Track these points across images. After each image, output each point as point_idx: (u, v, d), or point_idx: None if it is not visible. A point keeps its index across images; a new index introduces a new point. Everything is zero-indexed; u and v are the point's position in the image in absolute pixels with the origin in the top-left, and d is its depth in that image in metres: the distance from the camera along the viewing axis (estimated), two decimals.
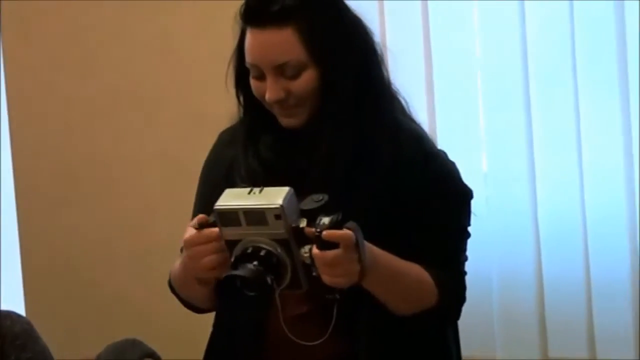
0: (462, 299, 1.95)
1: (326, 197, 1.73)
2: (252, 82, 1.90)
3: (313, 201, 1.74)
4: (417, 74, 3.06)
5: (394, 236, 1.87)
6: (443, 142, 3.01)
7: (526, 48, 2.94)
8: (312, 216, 1.72)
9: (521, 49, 2.94)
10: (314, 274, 1.73)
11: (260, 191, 1.75)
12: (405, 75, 3.10)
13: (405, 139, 1.93)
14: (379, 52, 1.95)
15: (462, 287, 1.94)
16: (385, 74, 1.97)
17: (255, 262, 1.72)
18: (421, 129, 2.01)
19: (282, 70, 1.85)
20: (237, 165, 1.94)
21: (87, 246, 3.55)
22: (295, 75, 1.85)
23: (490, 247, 2.98)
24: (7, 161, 3.63)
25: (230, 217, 1.74)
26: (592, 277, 2.89)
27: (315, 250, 1.70)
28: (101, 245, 3.53)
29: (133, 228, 3.49)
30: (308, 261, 1.72)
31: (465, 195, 1.97)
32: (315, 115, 1.89)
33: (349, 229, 1.70)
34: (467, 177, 2.91)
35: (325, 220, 1.70)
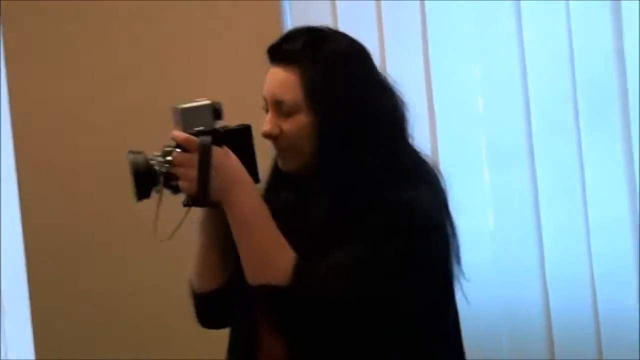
0: (331, 305, 1.80)
1: (245, 125, 1.89)
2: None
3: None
4: (421, 131, 3.05)
5: None
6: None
7: (529, 104, 2.96)
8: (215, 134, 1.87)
9: (524, 106, 2.96)
10: None
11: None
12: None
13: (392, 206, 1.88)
14: (396, 116, 1.95)
15: (338, 296, 1.80)
16: (399, 140, 1.95)
17: (158, 154, 1.86)
18: (426, 200, 1.91)
19: (280, 108, 1.90)
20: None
21: (96, 282, 3.53)
22: (289, 115, 1.89)
23: (498, 303, 2.98)
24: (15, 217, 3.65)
25: (173, 117, 1.89)
26: (602, 328, 2.88)
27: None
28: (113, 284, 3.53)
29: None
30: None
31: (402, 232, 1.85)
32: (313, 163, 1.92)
33: (201, 141, 1.82)
34: (474, 235, 2.95)
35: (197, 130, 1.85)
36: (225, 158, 1.86)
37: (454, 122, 3.07)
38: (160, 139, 1.89)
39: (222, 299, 2.01)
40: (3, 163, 3.65)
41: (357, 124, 1.89)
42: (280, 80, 1.90)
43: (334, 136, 1.87)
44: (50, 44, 3.58)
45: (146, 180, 1.85)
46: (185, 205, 1.87)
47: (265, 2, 3.30)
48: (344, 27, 3.17)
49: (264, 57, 1.96)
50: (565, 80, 2.91)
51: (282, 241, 1.86)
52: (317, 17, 3.21)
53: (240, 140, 1.90)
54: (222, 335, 2.08)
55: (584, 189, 2.89)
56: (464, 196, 3.01)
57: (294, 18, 3.27)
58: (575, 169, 2.90)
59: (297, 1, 3.27)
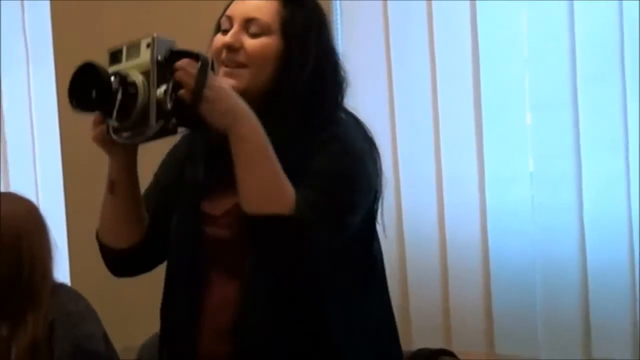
0: (319, 223, 1.91)
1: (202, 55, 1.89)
2: (215, 39, 2.04)
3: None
4: (464, 73, 3.08)
5: None
6: (489, 142, 3.03)
7: (574, 49, 2.94)
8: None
9: (569, 50, 2.95)
10: (168, 108, 1.86)
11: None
12: (452, 75, 3.13)
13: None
14: (340, 78, 2.07)
15: (325, 214, 1.92)
16: (338, 94, 2.07)
17: (113, 77, 1.87)
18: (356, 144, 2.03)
19: (248, 26, 2.00)
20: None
21: None
22: (257, 35, 1.99)
23: (535, 246, 2.99)
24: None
25: (116, 55, 1.93)
26: (639, 277, 2.88)
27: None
28: None
29: None
30: (161, 96, 1.87)
31: (352, 151, 1.99)
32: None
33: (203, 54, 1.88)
34: (513, 177, 2.95)
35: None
36: (221, 82, 1.91)
37: (499, 65, 3.06)
38: None
39: (138, 255, 2.11)
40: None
41: (320, 66, 2.01)
42: (259, 2, 2.01)
43: (301, 67, 1.99)
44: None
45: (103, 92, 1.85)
46: (174, 124, 1.88)
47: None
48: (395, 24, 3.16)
49: None
50: (613, 26, 2.88)
51: (284, 174, 1.91)
52: (368, 17, 3.22)
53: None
54: None
55: (626, 135, 2.88)
56: (506, 139, 3.03)
57: (345, 18, 3.30)
58: (618, 115, 2.89)
59: (349, 1, 3.29)
